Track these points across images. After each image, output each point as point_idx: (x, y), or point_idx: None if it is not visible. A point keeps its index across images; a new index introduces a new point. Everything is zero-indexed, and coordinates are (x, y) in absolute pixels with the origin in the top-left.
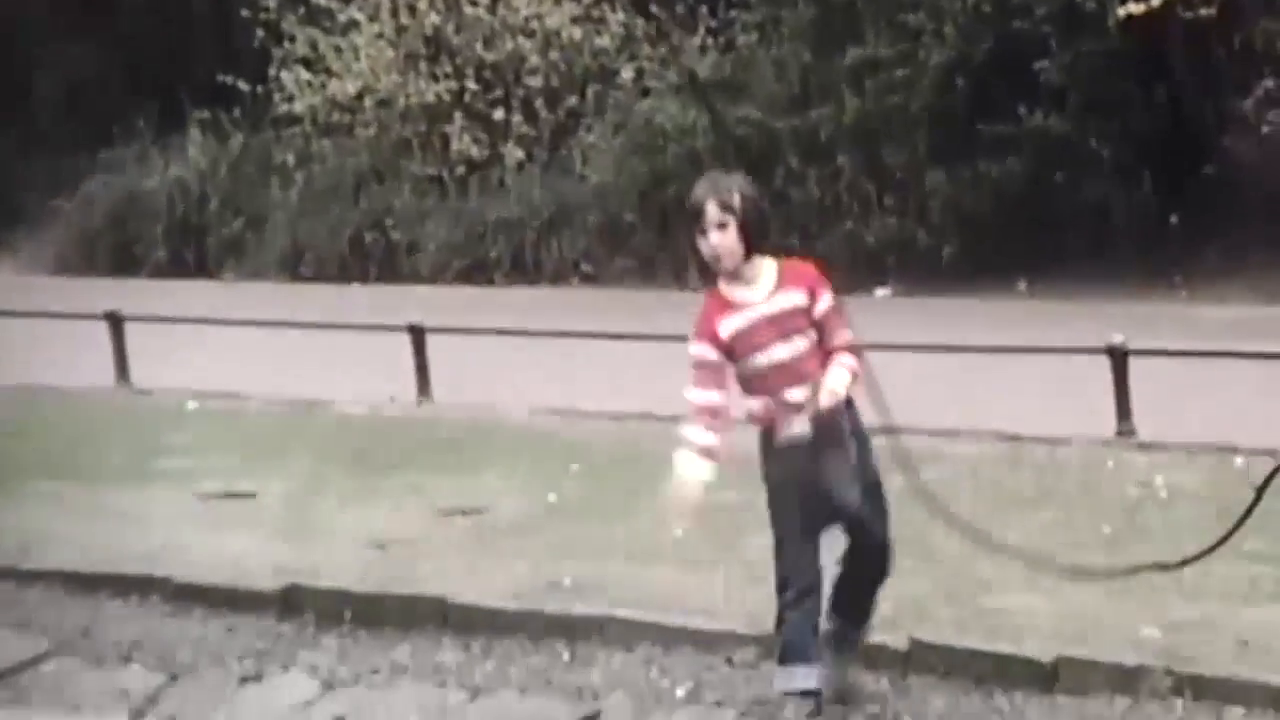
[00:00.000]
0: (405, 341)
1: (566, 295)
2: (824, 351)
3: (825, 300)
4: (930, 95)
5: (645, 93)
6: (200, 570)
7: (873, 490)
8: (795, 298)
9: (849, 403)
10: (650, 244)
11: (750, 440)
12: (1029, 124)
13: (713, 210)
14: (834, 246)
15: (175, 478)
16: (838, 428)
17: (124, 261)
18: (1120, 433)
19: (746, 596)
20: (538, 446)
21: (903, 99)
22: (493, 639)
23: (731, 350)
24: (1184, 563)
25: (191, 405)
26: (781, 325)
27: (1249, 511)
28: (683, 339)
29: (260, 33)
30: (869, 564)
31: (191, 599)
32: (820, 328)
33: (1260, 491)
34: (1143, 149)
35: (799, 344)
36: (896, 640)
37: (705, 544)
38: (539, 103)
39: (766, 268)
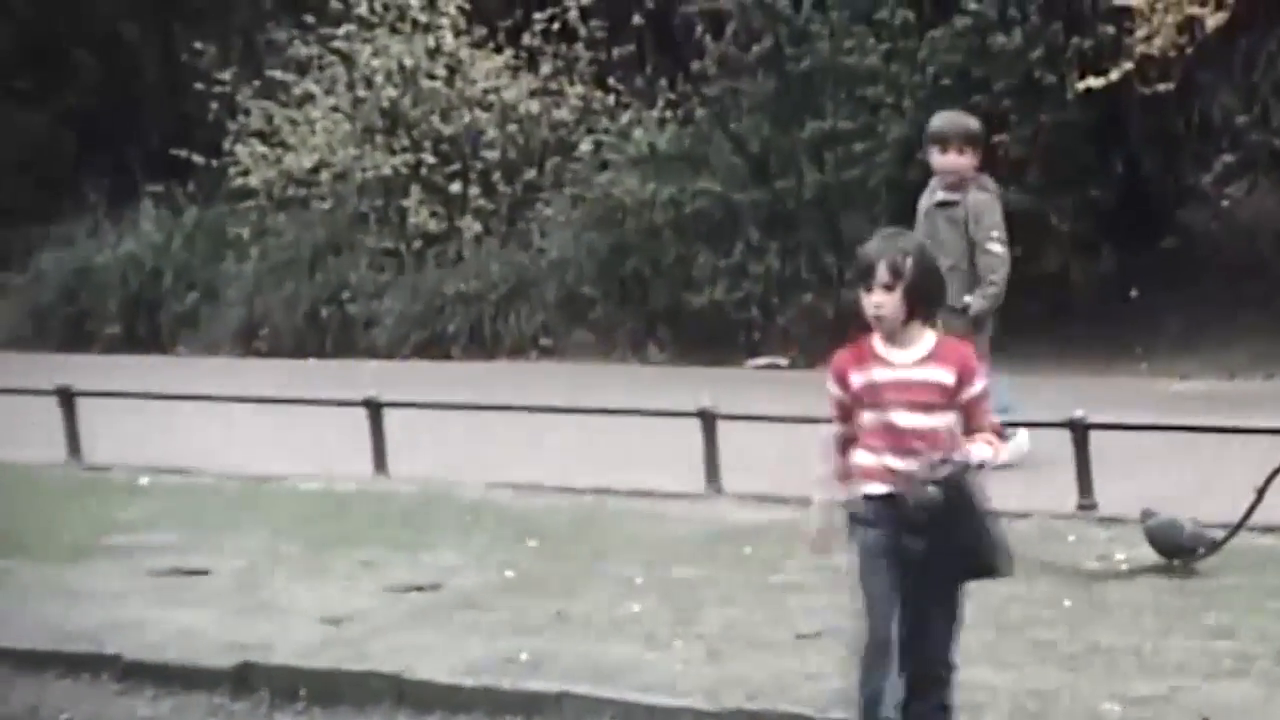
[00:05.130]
0: (361, 416)
1: (524, 369)
2: (964, 434)
3: (974, 387)
4: (890, 168)
5: (604, 166)
6: (151, 648)
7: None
8: (942, 375)
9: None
10: (609, 317)
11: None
12: None
13: (882, 271)
14: (794, 319)
15: (127, 554)
16: (967, 492)
17: (76, 336)
18: (1081, 506)
19: (705, 672)
20: (494, 521)
21: (862, 172)
22: (449, 716)
23: (860, 399)
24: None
25: (144, 481)
26: (915, 395)
27: (1249, 513)
28: (640, 413)
29: (214, 105)
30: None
31: (142, 677)
32: (965, 412)
33: (1261, 492)
34: (1102, 221)
35: (924, 419)
36: (850, 716)
37: (663, 618)
38: (496, 176)
39: (925, 338)
